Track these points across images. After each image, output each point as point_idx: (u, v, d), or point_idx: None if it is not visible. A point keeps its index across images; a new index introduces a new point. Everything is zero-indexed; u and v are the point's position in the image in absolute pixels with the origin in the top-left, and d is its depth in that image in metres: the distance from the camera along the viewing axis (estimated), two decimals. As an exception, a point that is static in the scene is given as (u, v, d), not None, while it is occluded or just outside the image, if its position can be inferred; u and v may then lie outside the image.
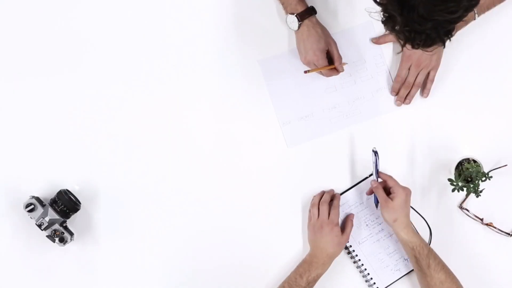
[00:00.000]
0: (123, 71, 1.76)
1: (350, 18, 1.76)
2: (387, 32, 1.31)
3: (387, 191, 1.66)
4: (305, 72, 1.69)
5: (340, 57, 1.70)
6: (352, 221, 1.71)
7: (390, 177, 1.68)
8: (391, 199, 1.64)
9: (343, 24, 1.76)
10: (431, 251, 1.63)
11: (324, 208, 1.69)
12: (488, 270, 1.73)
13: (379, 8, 1.28)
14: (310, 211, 1.72)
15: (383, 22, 1.29)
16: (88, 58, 1.76)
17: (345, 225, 1.72)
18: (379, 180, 1.68)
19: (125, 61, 1.76)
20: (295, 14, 1.66)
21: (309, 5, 1.68)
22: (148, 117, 1.76)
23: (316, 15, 1.68)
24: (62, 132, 1.75)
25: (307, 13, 1.66)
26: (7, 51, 1.77)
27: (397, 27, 1.26)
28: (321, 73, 1.72)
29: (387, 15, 1.27)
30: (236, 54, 1.76)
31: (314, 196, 1.73)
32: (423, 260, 1.62)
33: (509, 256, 1.74)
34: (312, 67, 1.70)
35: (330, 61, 1.71)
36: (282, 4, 1.69)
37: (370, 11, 1.28)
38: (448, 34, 1.27)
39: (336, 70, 1.71)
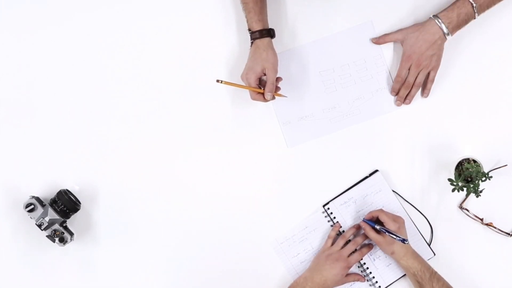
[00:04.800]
0: (122, 71, 1.77)
1: (350, 18, 1.76)
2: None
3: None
4: (217, 81, 1.65)
5: (271, 86, 1.64)
6: (359, 279, 1.72)
7: (381, 211, 1.68)
8: (384, 236, 1.65)
9: (343, 24, 1.76)
10: (433, 274, 1.63)
11: (352, 246, 1.70)
12: (488, 270, 1.73)
13: None
14: (334, 239, 1.72)
15: None
16: (88, 58, 1.77)
17: (351, 273, 1.72)
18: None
19: (125, 61, 1.77)
20: (251, 31, 1.66)
21: (269, 27, 1.67)
22: (148, 117, 1.76)
23: (274, 41, 1.67)
24: (62, 132, 1.75)
25: (260, 35, 1.65)
26: (8, 49, 1.77)
27: None
28: (249, 93, 1.67)
29: None
30: (236, 54, 1.76)
31: (350, 228, 1.73)
32: (426, 285, 1.62)
33: (509, 256, 1.74)
34: (245, 85, 1.67)
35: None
36: (245, 17, 1.68)
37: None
38: None
39: (263, 97, 1.66)
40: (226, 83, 1.65)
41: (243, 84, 1.68)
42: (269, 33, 1.67)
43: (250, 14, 1.66)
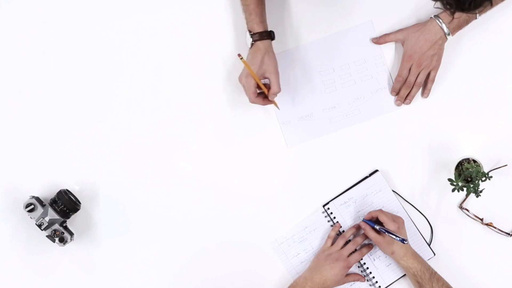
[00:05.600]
0: (122, 71, 1.76)
1: (350, 18, 1.76)
2: (435, 5, 1.28)
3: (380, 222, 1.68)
4: (238, 55, 1.62)
5: (275, 91, 1.64)
6: (359, 279, 1.72)
7: (380, 211, 1.68)
8: (384, 236, 1.65)
9: (343, 24, 1.76)
10: (433, 274, 1.63)
11: (352, 246, 1.70)
12: (488, 270, 1.73)
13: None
14: (334, 239, 1.72)
15: None
16: (88, 58, 1.76)
17: (351, 273, 1.73)
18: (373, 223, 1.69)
19: (124, 61, 1.76)
20: (251, 33, 1.66)
21: (268, 29, 1.67)
22: (147, 117, 1.76)
23: (273, 41, 1.67)
24: (62, 132, 1.75)
25: (261, 37, 1.65)
26: (7, 48, 1.76)
27: None
28: (248, 96, 1.67)
29: None
30: (236, 54, 1.75)
31: (351, 228, 1.73)
32: (426, 285, 1.62)
33: (509, 256, 1.74)
34: (243, 88, 1.67)
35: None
36: (245, 18, 1.68)
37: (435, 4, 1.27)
38: None
39: (266, 100, 1.67)
40: (244, 62, 1.62)
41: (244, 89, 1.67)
42: (270, 35, 1.67)
43: (251, 16, 1.65)
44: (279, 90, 1.65)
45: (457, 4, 1.27)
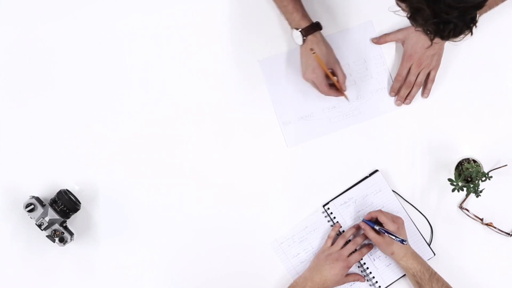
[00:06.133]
0: (122, 71, 1.76)
1: (350, 18, 1.76)
2: (417, 28, 1.29)
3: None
4: (311, 49, 1.65)
5: (344, 76, 1.69)
6: (359, 279, 1.72)
7: (380, 211, 1.68)
8: (383, 236, 1.65)
9: (343, 24, 1.76)
10: (433, 274, 1.64)
11: (352, 246, 1.70)
12: (488, 270, 1.73)
13: (401, 6, 1.28)
14: (334, 239, 1.72)
15: (410, 17, 1.28)
16: (87, 58, 1.76)
17: (351, 273, 1.72)
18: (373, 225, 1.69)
19: (124, 61, 1.76)
20: (299, 30, 1.65)
21: (313, 21, 1.67)
22: (147, 117, 1.76)
23: (321, 31, 1.67)
24: (62, 132, 1.75)
25: (311, 29, 1.65)
26: (6, 48, 1.76)
27: (423, 21, 1.26)
28: (321, 90, 1.69)
29: (413, 9, 1.26)
30: (236, 54, 1.76)
31: (351, 228, 1.73)
32: (426, 285, 1.63)
33: (509, 256, 1.74)
34: (312, 85, 1.70)
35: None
36: (287, 19, 1.68)
37: (394, 9, 1.28)
38: (473, 21, 1.27)
39: (339, 91, 1.70)
40: (317, 57, 1.65)
41: (313, 85, 1.69)
42: (318, 25, 1.67)
43: (293, 14, 1.65)
44: (346, 77, 1.68)
45: (436, 32, 1.27)
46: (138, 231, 1.74)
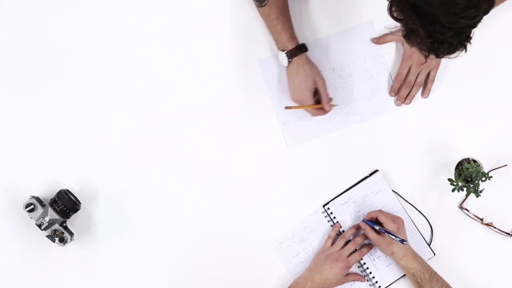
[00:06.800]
0: (123, 71, 1.76)
1: (350, 18, 1.76)
2: (410, 46, 1.30)
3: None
4: (286, 108, 1.71)
5: (327, 97, 1.69)
6: (359, 279, 1.72)
7: (380, 212, 1.68)
8: (383, 236, 1.65)
9: (343, 24, 1.76)
10: (433, 274, 1.64)
11: (352, 246, 1.70)
12: (488, 270, 1.73)
13: (399, 24, 1.28)
14: (334, 239, 1.72)
15: (405, 36, 1.29)
16: (87, 59, 1.76)
17: (351, 273, 1.72)
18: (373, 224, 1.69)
19: (124, 61, 1.76)
20: (285, 51, 1.66)
21: (300, 43, 1.67)
22: (147, 117, 1.76)
23: (307, 52, 1.68)
24: (62, 132, 1.75)
25: (297, 51, 1.66)
26: (9, 51, 1.76)
27: (418, 40, 1.26)
28: (308, 111, 1.72)
29: (408, 30, 1.27)
30: (236, 54, 1.76)
31: (351, 228, 1.74)
32: (426, 285, 1.63)
33: (509, 256, 1.74)
34: (301, 107, 1.71)
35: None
36: (274, 39, 1.68)
37: (389, 28, 1.29)
38: (468, 38, 1.28)
39: (323, 110, 1.70)
40: (293, 108, 1.71)
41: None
42: (305, 47, 1.67)
43: (281, 35, 1.66)
44: (329, 98, 1.70)
45: (430, 50, 1.28)
46: (138, 231, 1.74)
